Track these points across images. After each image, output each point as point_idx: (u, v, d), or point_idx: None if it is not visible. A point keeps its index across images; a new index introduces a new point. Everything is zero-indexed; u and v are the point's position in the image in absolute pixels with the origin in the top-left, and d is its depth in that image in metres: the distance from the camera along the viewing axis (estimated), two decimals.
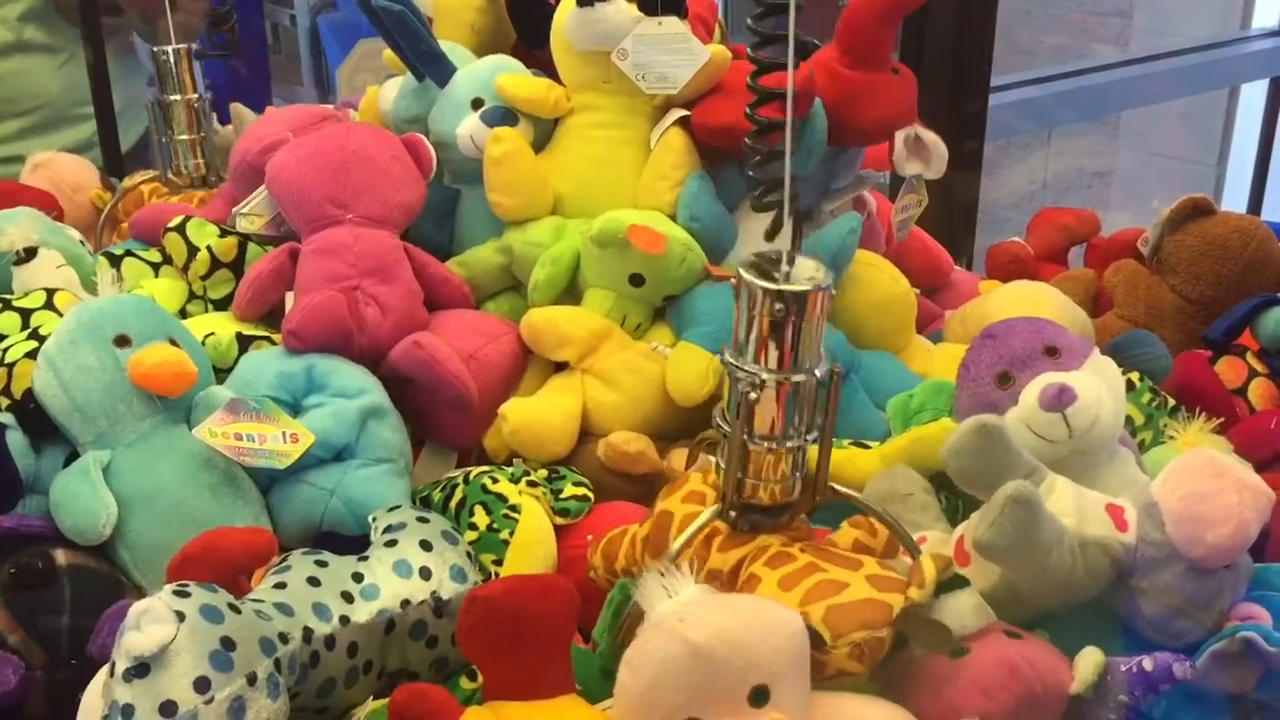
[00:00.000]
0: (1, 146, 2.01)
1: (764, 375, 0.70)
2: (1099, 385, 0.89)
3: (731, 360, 0.71)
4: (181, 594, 0.68)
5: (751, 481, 0.74)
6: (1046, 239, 1.43)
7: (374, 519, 0.87)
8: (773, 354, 0.70)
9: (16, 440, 0.88)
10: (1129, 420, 1.01)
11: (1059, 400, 0.87)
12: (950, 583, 0.76)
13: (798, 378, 0.70)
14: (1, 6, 1.96)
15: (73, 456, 0.89)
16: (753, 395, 0.71)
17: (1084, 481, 0.87)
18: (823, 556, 0.73)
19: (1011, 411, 0.89)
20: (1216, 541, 0.75)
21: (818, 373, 0.71)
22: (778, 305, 0.69)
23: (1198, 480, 0.76)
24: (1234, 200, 2.99)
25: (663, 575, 0.66)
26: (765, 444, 0.72)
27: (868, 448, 0.98)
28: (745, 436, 0.72)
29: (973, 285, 1.37)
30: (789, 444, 0.72)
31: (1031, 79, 2.32)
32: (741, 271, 0.70)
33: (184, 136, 1.41)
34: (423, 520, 0.86)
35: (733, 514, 0.75)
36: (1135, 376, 1.05)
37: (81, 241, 1.22)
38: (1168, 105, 2.94)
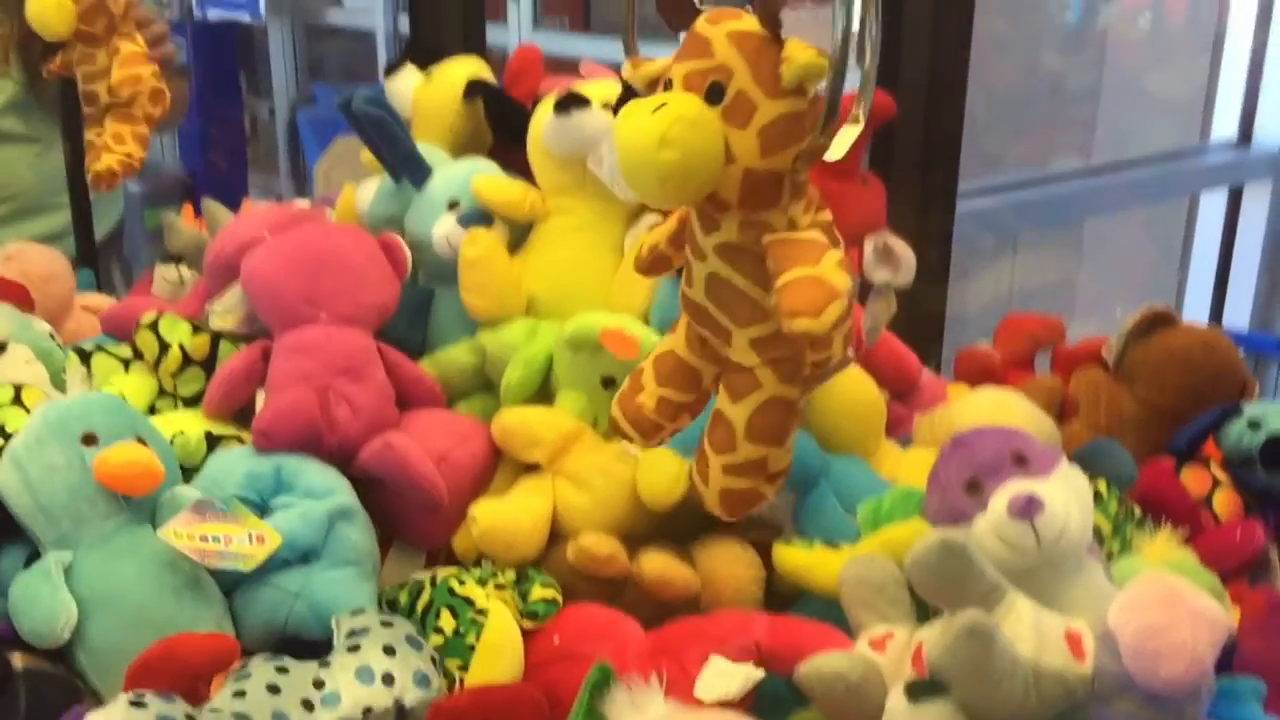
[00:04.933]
0: None
1: None
2: (1067, 495, 0.89)
3: None
4: (138, 704, 0.67)
5: None
6: (1013, 345, 1.44)
7: (337, 622, 0.86)
8: None
9: None
10: (1096, 530, 1.01)
11: (1027, 509, 0.87)
12: (928, 689, 0.75)
13: None
14: None
15: (34, 556, 0.87)
16: None
17: (1051, 592, 0.87)
18: None
19: (980, 519, 0.89)
20: (1171, 678, 0.75)
21: None
22: None
23: (1151, 612, 0.76)
24: (1195, 305, 3.05)
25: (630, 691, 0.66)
26: None
27: (839, 550, 0.98)
28: None
29: (941, 390, 1.38)
30: None
31: (997, 186, 2.37)
32: None
33: None
34: (386, 624, 0.85)
35: None
36: (1102, 486, 1.05)
37: (52, 335, 1.22)
38: (1130, 212, 3.01)
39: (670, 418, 0.86)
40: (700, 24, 0.75)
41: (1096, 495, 1.04)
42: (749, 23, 0.74)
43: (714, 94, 0.73)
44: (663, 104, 0.72)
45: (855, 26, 0.70)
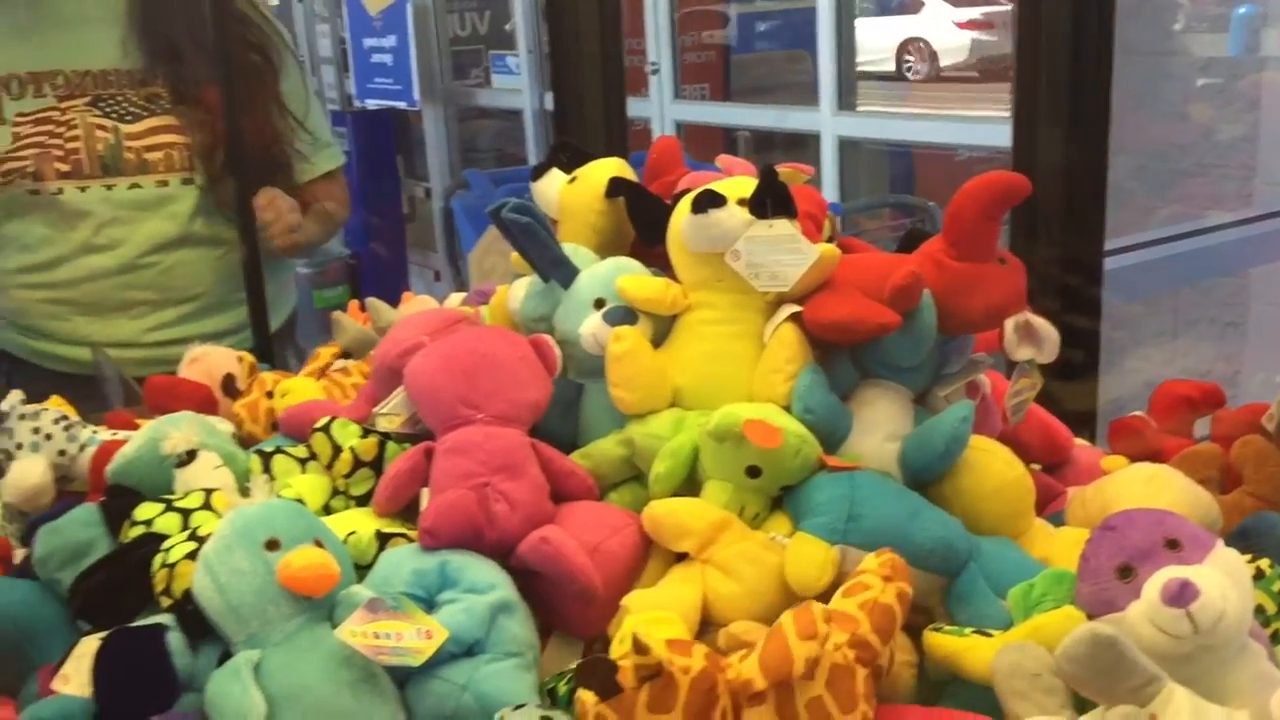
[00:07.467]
0: (162, 331, 2.17)
1: None
2: (1223, 580, 0.88)
3: None
4: None
5: None
6: (1170, 412, 1.41)
7: (501, 717, 0.90)
8: None
9: (176, 640, 0.95)
10: (1260, 610, 0.99)
11: (1181, 596, 0.86)
12: None
13: None
14: (173, 204, 2.13)
15: (226, 655, 0.95)
16: None
17: (1213, 679, 0.86)
18: None
19: (1134, 606, 0.89)
20: None
21: None
22: None
23: None
24: None
25: None
26: None
27: (990, 636, 0.98)
28: None
29: (1095, 461, 1.35)
30: None
31: (1152, 240, 2.31)
32: None
33: None
34: (546, 719, 0.88)
35: None
36: (1265, 563, 1.03)
37: (234, 434, 1.32)
38: None
39: None
40: None
41: (1259, 573, 1.01)
42: None
43: None
44: None
45: None
